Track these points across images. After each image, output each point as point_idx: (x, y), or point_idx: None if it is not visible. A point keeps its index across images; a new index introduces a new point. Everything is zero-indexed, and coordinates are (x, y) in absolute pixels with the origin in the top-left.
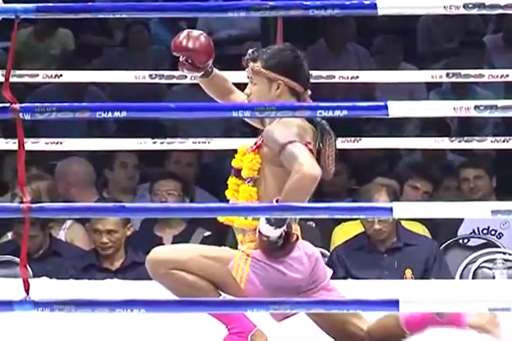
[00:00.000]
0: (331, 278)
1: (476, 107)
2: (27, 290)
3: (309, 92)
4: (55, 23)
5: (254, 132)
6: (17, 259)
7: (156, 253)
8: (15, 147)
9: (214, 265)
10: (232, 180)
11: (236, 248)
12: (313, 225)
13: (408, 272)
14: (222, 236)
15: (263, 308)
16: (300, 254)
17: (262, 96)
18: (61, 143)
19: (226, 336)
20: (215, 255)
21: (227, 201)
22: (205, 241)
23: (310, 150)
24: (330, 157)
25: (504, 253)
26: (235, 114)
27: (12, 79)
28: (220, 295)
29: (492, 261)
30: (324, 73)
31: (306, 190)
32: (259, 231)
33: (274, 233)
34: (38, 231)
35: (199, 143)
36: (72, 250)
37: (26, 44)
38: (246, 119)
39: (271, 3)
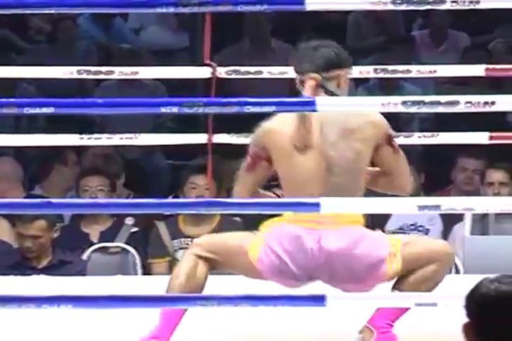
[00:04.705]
0: None
1: (404, 103)
2: None
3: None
4: None
5: (181, 128)
6: None
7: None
8: None
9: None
10: None
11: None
12: (239, 220)
13: None
14: (148, 231)
15: (190, 304)
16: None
17: None
18: None
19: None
20: (240, 241)
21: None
22: (131, 237)
23: None
24: None
25: None
26: (163, 109)
27: None
28: None
29: None
30: (252, 69)
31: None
32: None
33: None
34: None
35: (126, 138)
36: None
37: None
38: None
39: None
